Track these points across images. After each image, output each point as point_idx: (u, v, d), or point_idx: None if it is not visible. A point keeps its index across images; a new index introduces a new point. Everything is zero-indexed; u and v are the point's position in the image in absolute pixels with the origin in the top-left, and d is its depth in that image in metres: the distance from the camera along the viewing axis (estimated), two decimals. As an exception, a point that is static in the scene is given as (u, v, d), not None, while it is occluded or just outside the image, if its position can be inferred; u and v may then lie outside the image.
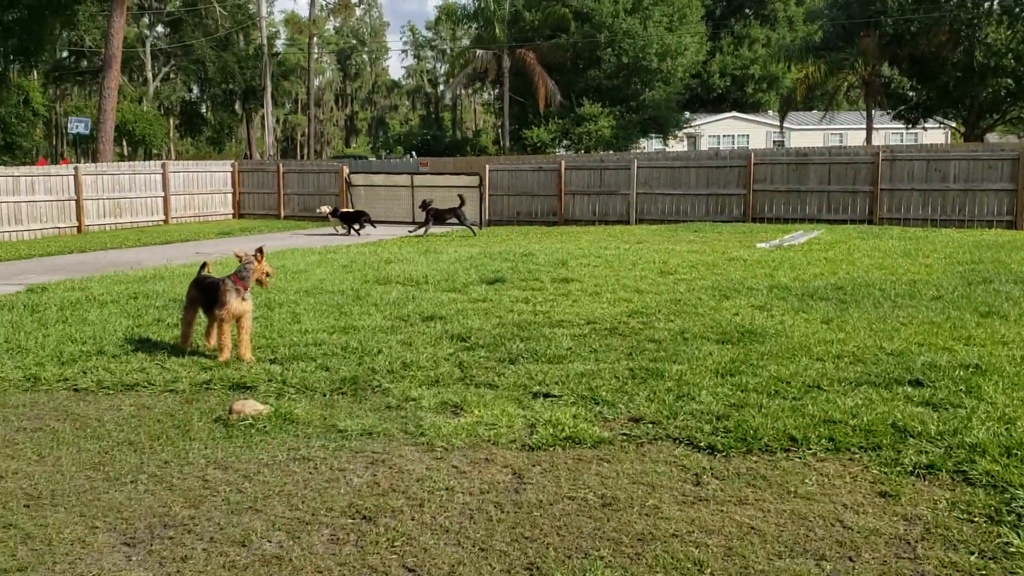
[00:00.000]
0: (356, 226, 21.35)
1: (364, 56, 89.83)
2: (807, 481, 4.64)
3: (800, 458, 4.96)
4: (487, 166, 24.64)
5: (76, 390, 6.67)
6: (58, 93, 51.86)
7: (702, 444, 5.18)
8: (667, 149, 51.92)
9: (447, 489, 4.61)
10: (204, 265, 7.96)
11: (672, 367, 6.84)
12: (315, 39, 60.47)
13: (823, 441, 5.13)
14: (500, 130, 66.89)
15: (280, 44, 67.64)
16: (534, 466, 4.94)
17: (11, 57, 32.96)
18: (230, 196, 27.00)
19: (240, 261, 7.53)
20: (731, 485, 4.61)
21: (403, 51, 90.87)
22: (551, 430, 5.42)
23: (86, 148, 43.03)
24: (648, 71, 45.53)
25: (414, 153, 54.37)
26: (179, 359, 7.44)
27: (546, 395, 6.30)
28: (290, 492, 4.61)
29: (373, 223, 21.78)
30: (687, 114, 54.79)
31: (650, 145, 54.63)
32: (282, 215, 26.63)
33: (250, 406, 6.03)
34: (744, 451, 5.07)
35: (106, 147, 28.33)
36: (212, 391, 6.61)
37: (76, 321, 9.11)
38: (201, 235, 21.11)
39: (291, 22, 73.70)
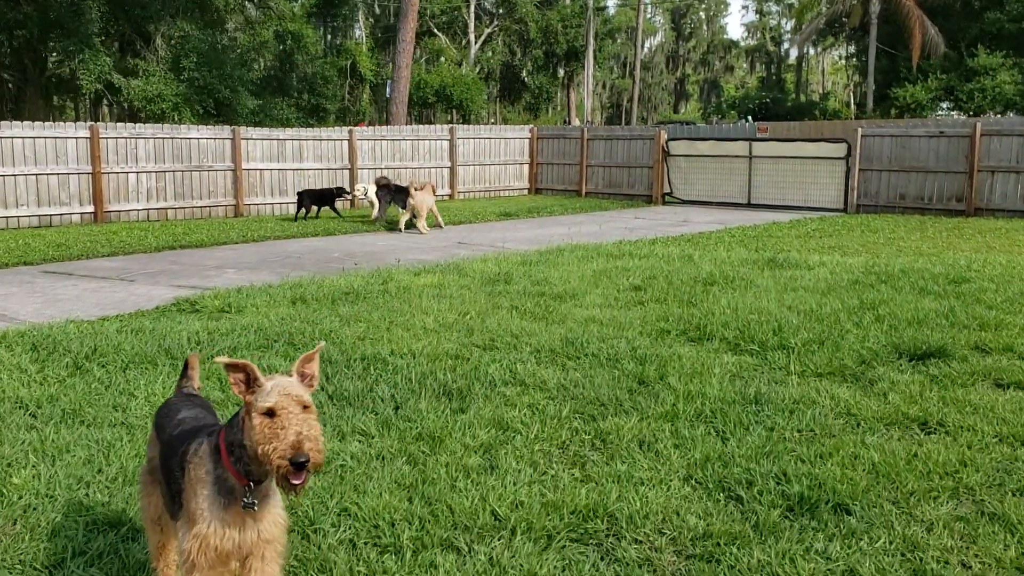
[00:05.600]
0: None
1: (700, 14, 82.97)
2: None
3: None
4: (858, 130, 17.87)
5: None
6: (388, 58, 51.95)
7: None
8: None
9: None
10: (186, 368, 3.07)
11: None
12: (647, -5, 55.28)
13: None
14: (856, 90, 57.38)
15: (611, 2, 63.39)
16: None
17: (328, 20, 31.57)
18: (526, 168, 22.82)
19: (240, 391, 2.45)
20: None
21: (744, 7, 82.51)
22: None
23: (409, 112, 41.71)
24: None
25: (749, 118, 47.33)
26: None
27: None
28: None
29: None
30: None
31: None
32: (583, 191, 21.92)
33: None
34: None
35: (399, 109, 25.33)
36: None
37: (107, 403, 4.84)
38: (480, 216, 16.96)
39: (623, -22, 69.04)
